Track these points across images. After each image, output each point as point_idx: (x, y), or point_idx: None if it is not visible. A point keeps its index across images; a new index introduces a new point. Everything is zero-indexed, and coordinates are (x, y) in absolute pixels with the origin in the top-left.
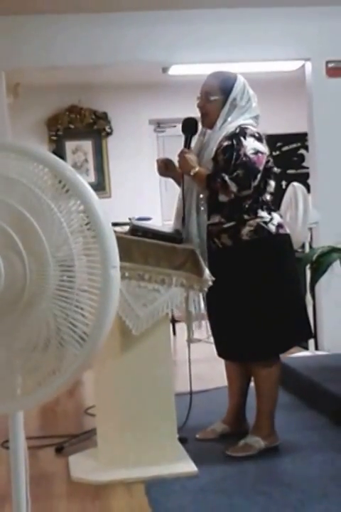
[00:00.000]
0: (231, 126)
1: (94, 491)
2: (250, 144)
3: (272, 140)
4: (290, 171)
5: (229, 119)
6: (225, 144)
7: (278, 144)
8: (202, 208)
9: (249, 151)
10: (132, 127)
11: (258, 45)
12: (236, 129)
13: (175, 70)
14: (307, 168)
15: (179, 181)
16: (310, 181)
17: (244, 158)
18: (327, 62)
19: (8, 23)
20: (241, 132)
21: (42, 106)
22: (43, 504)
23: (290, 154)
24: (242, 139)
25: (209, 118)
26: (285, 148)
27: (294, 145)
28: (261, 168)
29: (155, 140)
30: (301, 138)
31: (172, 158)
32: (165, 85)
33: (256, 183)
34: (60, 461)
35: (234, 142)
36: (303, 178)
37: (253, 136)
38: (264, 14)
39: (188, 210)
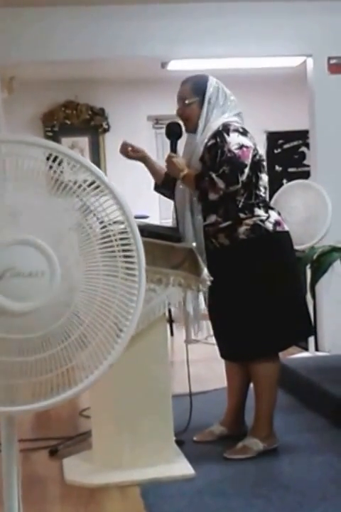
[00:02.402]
0: (214, 125)
1: (88, 494)
2: (234, 140)
3: (273, 137)
4: (291, 169)
5: (211, 118)
6: (210, 143)
7: (279, 142)
8: (196, 210)
9: (233, 147)
10: (130, 124)
11: (259, 40)
12: (219, 127)
13: (174, 65)
14: (309, 166)
15: (155, 174)
16: (310, 180)
17: (228, 154)
18: (329, 59)
19: (2, 16)
20: (225, 129)
21: (38, 101)
22: (36, 508)
23: (291, 152)
24: (225, 135)
25: (191, 122)
26: (286, 146)
27: (295, 143)
28: (248, 161)
29: (154, 137)
30: (302, 135)
31: None
32: (164, 81)
33: (244, 177)
34: (54, 463)
35: (218, 140)
36: (304, 177)
37: (236, 131)
38: (265, 9)
39: (182, 213)
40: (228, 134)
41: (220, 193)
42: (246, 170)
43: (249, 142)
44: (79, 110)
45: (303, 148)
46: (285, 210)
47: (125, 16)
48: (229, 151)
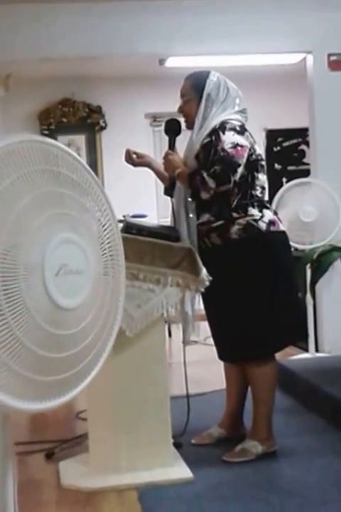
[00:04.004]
0: (213, 122)
1: (85, 498)
2: (229, 138)
3: (272, 135)
4: (290, 168)
5: (210, 116)
6: (205, 140)
7: (279, 140)
8: (190, 208)
9: (227, 146)
10: (127, 121)
11: (259, 36)
12: (216, 124)
13: (172, 62)
14: (308, 164)
15: (162, 178)
16: (311, 178)
17: (221, 153)
18: (329, 55)
19: None
20: (221, 127)
21: (34, 99)
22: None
23: (290, 150)
24: (221, 133)
25: (189, 118)
26: (285, 144)
27: (295, 140)
28: (242, 161)
29: (151, 135)
30: (302, 133)
31: None
32: (162, 78)
33: (237, 177)
34: (50, 467)
35: (213, 138)
36: (304, 175)
37: (233, 129)
38: (265, 5)
39: (177, 211)
40: (223, 133)
41: (211, 192)
42: (240, 169)
43: (245, 141)
44: (75, 108)
45: (303, 146)
46: (300, 210)
47: (122, 12)
48: (223, 150)
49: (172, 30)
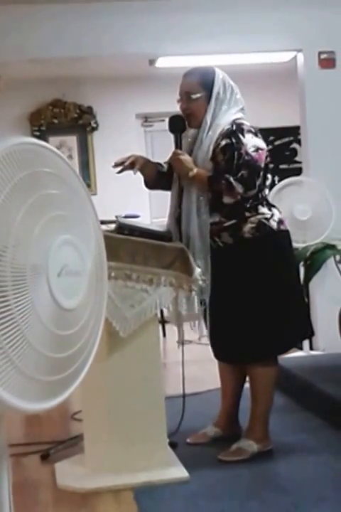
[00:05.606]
0: (224, 122)
1: (81, 499)
2: (250, 142)
3: (264, 134)
4: (282, 166)
5: (220, 115)
6: (223, 142)
7: (270, 138)
8: (203, 211)
9: (250, 149)
10: (118, 122)
11: (249, 35)
12: (232, 125)
13: (162, 63)
14: (300, 162)
15: (146, 176)
16: (303, 176)
17: (246, 157)
18: (320, 53)
19: None
20: (238, 129)
21: (25, 100)
22: None
23: (282, 149)
24: (241, 136)
25: (196, 118)
26: (277, 143)
27: (286, 139)
28: (263, 164)
29: (143, 135)
30: (294, 131)
31: (161, 154)
32: (153, 78)
33: (260, 181)
34: (46, 468)
35: (233, 140)
36: (296, 173)
37: (250, 131)
38: (255, 4)
39: (187, 212)
40: (243, 135)
41: (237, 197)
42: (261, 173)
43: (263, 144)
44: (66, 109)
45: (295, 145)
46: (294, 208)
47: (112, 12)
48: (247, 153)
49: (162, 30)
